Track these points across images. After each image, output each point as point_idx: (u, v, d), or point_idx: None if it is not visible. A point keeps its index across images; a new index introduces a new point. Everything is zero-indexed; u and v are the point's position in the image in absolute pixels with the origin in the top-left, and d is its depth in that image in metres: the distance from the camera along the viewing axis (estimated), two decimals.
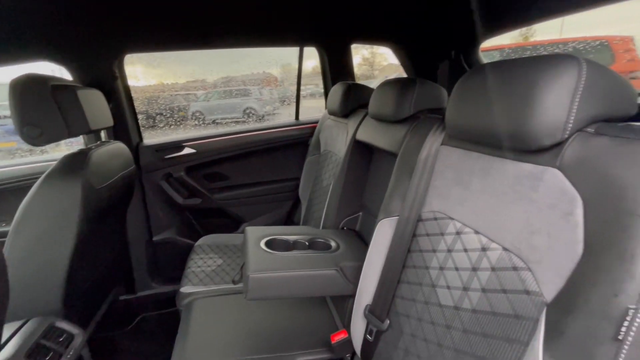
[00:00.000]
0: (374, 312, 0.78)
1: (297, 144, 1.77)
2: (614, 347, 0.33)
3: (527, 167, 0.49)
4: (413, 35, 1.58)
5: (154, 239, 1.69)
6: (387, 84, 0.95)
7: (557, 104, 0.42)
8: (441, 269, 0.64)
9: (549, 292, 0.42)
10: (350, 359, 0.92)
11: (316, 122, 1.67)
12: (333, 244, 1.03)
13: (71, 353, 0.90)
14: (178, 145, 1.63)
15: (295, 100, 1.81)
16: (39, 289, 0.96)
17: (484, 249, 0.56)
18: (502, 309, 0.49)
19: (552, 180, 0.44)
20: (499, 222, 0.53)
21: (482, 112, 0.54)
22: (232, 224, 1.79)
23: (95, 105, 1.12)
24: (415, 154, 0.76)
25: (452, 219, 0.65)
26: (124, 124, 1.48)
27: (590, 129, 0.43)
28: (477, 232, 0.58)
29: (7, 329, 0.88)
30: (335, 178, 1.22)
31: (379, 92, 0.98)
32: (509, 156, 0.52)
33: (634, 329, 0.32)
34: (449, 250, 0.63)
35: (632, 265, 0.33)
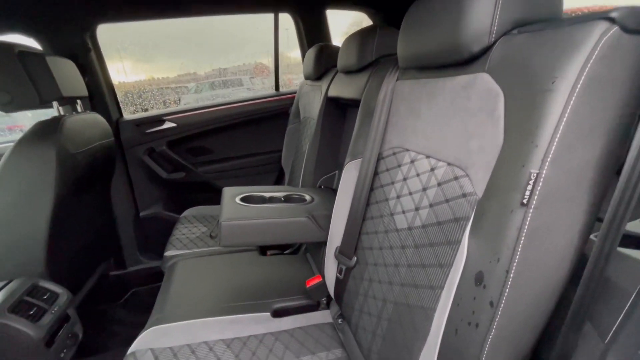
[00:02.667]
0: (343, 251, 0.81)
1: (279, 114, 1.78)
2: (521, 212, 0.36)
3: (462, 79, 0.51)
4: None
5: (141, 214, 1.72)
6: (352, 35, 0.96)
7: (482, 11, 0.44)
8: (398, 197, 0.67)
9: (481, 188, 0.45)
10: (325, 303, 0.96)
11: (294, 93, 1.68)
12: (308, 197, 1.06)
13: (55, 309, 0.93)
14: (159, 119, 1.64)
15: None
16: (20, 252, 0.98)
17: (432, 169, 0.58)
18: (445, 216, 0.52)
19: (481, 84, 0.46)
20: (444, 140, 0.56)
21: (425, 35, 0.56)
22: (217, 197, 1.81)
23: (66, 74, 1.12)
24: (375, 96, 0.78)
25: (407, 150, 0.67)
26: (102, 98, 1.48)
27: (514, 31, 0.44)
28: (427, 157, 0.61)
29: None
30: (311, 139, 1.24)
31: (345, 45, 0.99)
32: (448, 73, 0.54)
33: (537, 193, 0.35)
34: (405, 179, 0.66)
35: (536, 136, 0.35)
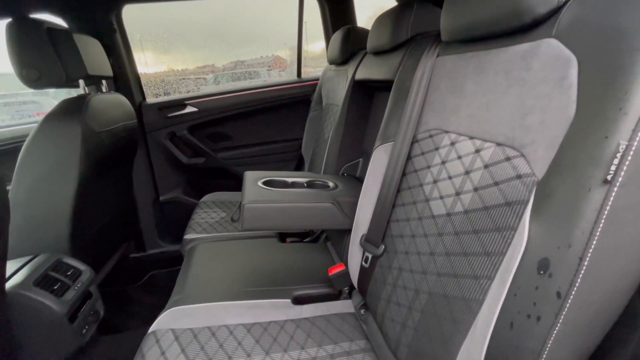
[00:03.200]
0: (370, 239, 0.77)
1: (300, 101, 1.74)
2: (602, 191, 0.31)
3: (521, 48, 0.46)
4: None
5: (161, 198, 1.73)
6: (385, 12, 0.91)
7: None
8: (435, 182, 0.62)
9: (541, 168, 0.40)
10: (348, 293, 0.93)
11: (318, 79, 1.64)
12: (331, 184, 1.02)
13: (78, 285, 0.94)
14: (180, 104, 1.63)
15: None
16: (46, 228, 0.99)
17: (477, 151, 0.53)
18: (494, 200, 0.47)
19: (546, 51, 0.41)
20: (493, 118, 0.51)
21: (476, 2, 0.51)
22: (236, 183, 1.80)
23: (92, 52, 1.12)
24: (411, 75, 0.73)
25: (446, 132, 0.62)
26: (126, 80, 1.48)
27: None
28: (471, 138, 0.56)
29: (18, 263, 0.92)
30: (335, 125, 1.20)
31: (377, 23, 0.94)
32: (502, 43, 0.49)
33: (624, 168, 0.30)
34: (443, 162, 0.61)
35: (625, 102, 0.30)
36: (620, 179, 0.30)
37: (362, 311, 0.85)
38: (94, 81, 1.21)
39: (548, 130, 0.40)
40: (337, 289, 0.92)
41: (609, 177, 0.30)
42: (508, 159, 0.47)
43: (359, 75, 1.09)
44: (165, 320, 0.78)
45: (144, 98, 1.62)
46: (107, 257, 1.35)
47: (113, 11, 1.35)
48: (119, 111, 1.21)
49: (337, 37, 1.31)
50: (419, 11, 0.81)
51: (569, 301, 0.32)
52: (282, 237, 1.25)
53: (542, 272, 0.34)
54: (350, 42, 1.24)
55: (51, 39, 0.97)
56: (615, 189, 0.30)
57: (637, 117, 0.29)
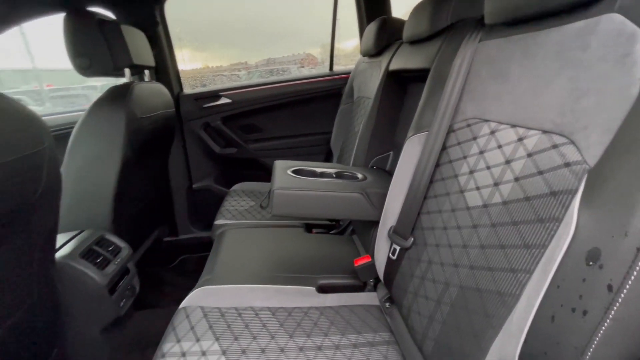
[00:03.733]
0: (398, 231, 0.76)
1: (331, 95, 1.74)
2: None
3: (576, 26, 0.42)
4: None
5: (194, 186, 1.80)
6: (424, 0, 0.88)
7: None
8: (471, 172, 0.60)
9: (594, 154, 0.37)
10: (373, 285, 0.92)
11: (349, 73, 1.62)
12: (360, 176, 1.01)
13: (118, 261, 1.00)
14: (215, 95, 1.68)
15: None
16: (91, 206, 1.06)
17: (520, 139, 0.50)
18: (537, 190, 0.45)
19: (607, 26, 0.38)
20: (540, 104, 0.47)
21: None
22: (265, 174, 1.83)
23: (138, 43, 1.18)
24: (449, 62, 0.70)
25: (486, 120, 0.59)
26: (166, 71, 1.56)
27: None
28: (513, 126, 0.53)
29: (66, 236, 0.99)
30: (366, 117, 1.18)
31: (415, 11, 0.91)
32: (553, 22, 0.46)
33: None
34: (481, 152, 0.58)
35: None
36: None
37: (387, 304, 0.84)
38: (137, 70, 1.28)
39: (605, 113, 0.36)
40: (362, 281, 0.91)
41: None
42: (555, 146, 0.44)
43: (394, 66, 1.07)
44: (196, 298, 0.81)
45: (181, 88, 1.69)
46: (144, 238, 1.43)
47: (157, 5, 1.42)
48: (159, 100, 1.27)
49: (371, 27, 1.29)
50: None
51: (622, 295, 0.29)
52: (309, 228, 1.25)
53: (591, 262, 0.32)
54: (385, 33, 1.22)
55: (101, 30, 1.04)
56: None
57: None
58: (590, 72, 0.39)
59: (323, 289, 0.90)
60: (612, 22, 0.37)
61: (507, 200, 0.50)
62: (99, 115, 1.02)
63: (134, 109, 1.08)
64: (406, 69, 0.97)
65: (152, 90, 1.24)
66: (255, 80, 1.76)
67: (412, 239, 0.72)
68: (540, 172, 0.45)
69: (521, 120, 0.51)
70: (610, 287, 0.30)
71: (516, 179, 0.49)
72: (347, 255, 1.05)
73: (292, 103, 1.75)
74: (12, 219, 0.58)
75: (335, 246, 1.11)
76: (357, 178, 1.00)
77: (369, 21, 1.58)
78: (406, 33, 0.97)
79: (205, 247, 1.81)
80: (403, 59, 1.00)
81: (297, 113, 1.78)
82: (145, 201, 1.36)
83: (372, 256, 0.88)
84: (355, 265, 0.88)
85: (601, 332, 0.30)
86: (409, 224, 0.73)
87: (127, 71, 1.15)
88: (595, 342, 0.31)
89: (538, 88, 0.48)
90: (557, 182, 0.42)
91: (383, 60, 1.18)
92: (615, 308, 0.30)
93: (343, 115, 1.57)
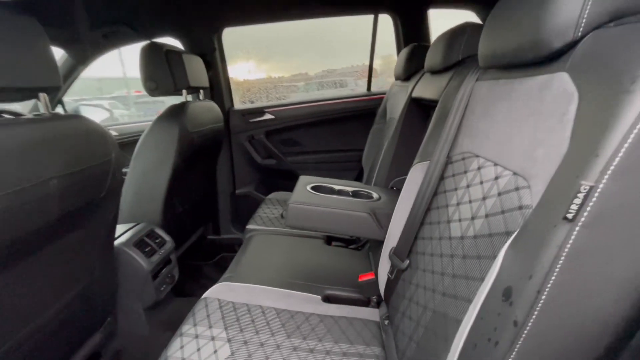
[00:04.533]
0: (397, 253, 0.80)
1: (367, 114, 1.81)
2: (565, 229, 0.31)
3: (539, 79, 0.45)
4: None
5: (237, 191, 1.99)
6: (443, 33, 0.92)
7: (568, 2, 0.39)
8: (458, 204, 0.63)
9: (537, 200, 0.40)
10: (376, 302, 0.96)
11: (385, 94, 1.68)
12: (375, 195, 1.06)
13: (162, 252, 1.19)
14: (260, 111, 1.86)
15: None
16: (147, 203, 1.27)
17: (496, 178, 0.53)
18: (497, 228, 0.48)
19: (558, 85, 0.41)
20: (514, 147, 0.50)
21: (506, 31, 0.52)
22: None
23: (195, 68, 1.40)
24: (453, 97, 0.74)
25: (477, 156, 0.63)
26: (219, 89, 1.78)
27: (611, 24, 0.38)
28: (495, 164, 0.56)
29: (125, 227, 1.21)
30: (389, 139, 1.23)
31: (434, 43, 0.96)
32: (528, 72, 0.49)
33: (587, 208, 0.30)
34: (468, 186, 0.62)
35: (600, 144, 0.30)
36: (583, 219, 0.30)
37: (386, 322, 0.88)
38: (194, 90, 1.50)
39: (548, 165, 0.39)
40: (365, 296, 0.96)
41: (569, 216, 0.30)
42: (517, 188, 0.47)
43: (416, 93, 1.11)
44: (215, 291, 0.94)
45: (232, 104, 1.90)
46: (188, 234, 1.63)
47: (215, 33, 1.64)
48: (209, 116, 1.47)
49: (403, 53, 1.34)
50: (473, 34, 0.81)
51: (525, 331, 0.33)
52: (329, 240, 1.33)
53: (505, 299, 0.35)
54: (414, 60, 1.26)
55: (167, 59, 1.25)
56: (577, 228, 0.30)
57: (605, 161, 0.29)
58: (545, 125, 0.42)
59: (328, 299, 0.97)
60: (561, 80, 0.40)
61: (477, 235, 0.53)
62: (158, 129, 1.23)
63: (187, 124, 1.27)
64: (423, 98, 1.01)
65: (203, 108, 1.44)
66: (300, 98, 1.90)
67: (408, 261, 0.76)
68: (503, 212, 0.48)
69: (501, 159, 0.54)
70: (515, 323, 0.34)
71: (486, 216, 0.52)
72: (358, 270, 1.10)
73: (330, 120, 1.86)
74: (84, 211, 0.77)
75: (349, 260, 1.17)
76: (372, 198, 1.05)
77: (406, 45, 1.63)
78: (427, 62, 1.01)
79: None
80: (423, 87, 1.04)
81: (334, 130, 1.88)
82: (192, 202, 1.56)
83: (376, 274, 0.92)
84: (359, 280, 0.94)
85: None
86: (407, 247, 0.77)
87: (184, 92, 1.36)
88: None
89: (513, 131, 0.51)
90: (511, 222, 0.45)
91: (410, 85, 1.23)
92: (520, 342, 0.33)
93: (375, 134, 1.63)
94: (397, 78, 1.43)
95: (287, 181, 2.00)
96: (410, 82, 1.26)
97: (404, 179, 1.20)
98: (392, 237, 0.84)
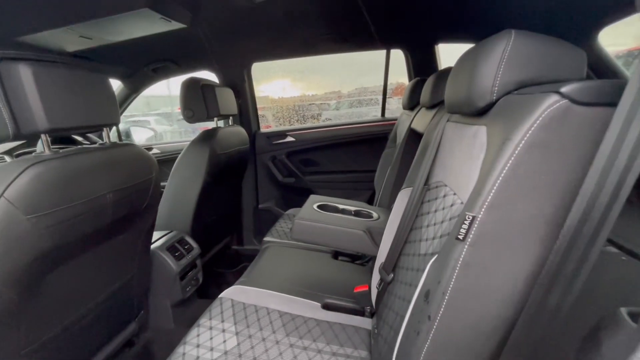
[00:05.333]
0: (385, 267, 0.91)
1: (380, 139, 1.93)
2: (460, 246, 0.42)
3: (473, 129, 0.57)
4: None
5: (260, 206, 2.17)
6: (434, 74, 1.05)
7: (486, 72, 0.51)
8: (427, 226, 0.74)
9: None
10: (369, 312, 1.06)
11: (396, 119, 1.80)
12: (375, 215, 1.18)
13: (189, 257, 1.37)
14: (283, 134, 2.06)
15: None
16: (179, 214, 1.48)
17: (452, 205, 0.64)
18: (440, 248, 0.59)
19: (479, 135, 0.52)
20: (461, 180, 0.62)
21: (458, 87, 0.64)
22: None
23: (226, 98, 1.62)
24: (433, 131, 0.86)
25: (445, 185, 0.74)
26: (247, 115, 2.00)
27: (515, 92, 0.49)
28: (454, 194, 0.67)
29: (160, 233, 1.41)
30: (392, 164, 1.35)
31: (428, 82, 1.08)
32: (471, 121, 0.60)
33: (472, 232, 0.41)
34: (436, 210, 0.73)
35: (482, 185, 0.41)
36: (469, 240, 0.41)
37: (376, 330, 0.98)
38: (224, 117, 1.72)
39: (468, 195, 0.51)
40: (360, 306, 1.06)
41: (460, 237, 0.41)
42: (460, 215, 0.58)
43: (414, 124, 1.23)
44: (230, 293, 1.09)
45: (258, 128, 2.11)
46: (214, 243, 1.82)
47: (245, 68, 1.87)
48: (236, 139, 1.68)
49: (409, 85, 1.47)
50: None
51: (436, 324, 0.44)
52: (336, 255, 1.45)
53: (425, 299, 0.46)
54: (417, 92, 1.38)
55: (202, 92, 1.48)
56: (466, 246, 0.41)
57: (484, 198, 0.40)
58: (473, 165, 0.54)
59: (327, 307, 1.08)
60: (482, 132, 0.52)
61: (433, 252, 0.64)
62: (191, 151, 1.45)
63: (216, 147, 1.48)
64: (417, 130, 1.13)
65: (232, 132, 1.65)
66: (319, 123, 2.08)
67: (392, 275, 0.87)
68: (449, 234, 0.59)
69: (457, 190, 0.65)
70: (429, 317, 0.45)
71: (441, 236, 0.63)
72: (359, 283, 1.20)
73: (346, 143, 2.01)
74: (129, 219, 0.96)
75: (351, 274, 1.28)
76: (372, 217, 1.17)
77: (416, 76, 1.75)
78: (421, 98, 1.13)
79: None
80: (418, 120, 1.16)
81: (350, 152, 2.02)
82: (218, 214, 1.76)
83: (370, 286, 1.03)
84: (355, 291, 1.05)
85: (425, 349, 0.45)
86: (392, 262, 0.88)
87: (215, 119, 1.57)
88: (422, 356, 0.45)
89: (464, 166, 0.63)
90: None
91: (411, 115, 1.35)
92: (432, 333, 0.44)
93: (386, 157, 1.74)
94: (404, 108, 1.55)
95: (304, 198, 2.15)
96: (413, 112, 1.38)
97: None
98: (382, 252, 0.95)
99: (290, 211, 1.91)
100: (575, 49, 0.49)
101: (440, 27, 1.63)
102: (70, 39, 1.21)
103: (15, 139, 0.67)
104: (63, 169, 0.71)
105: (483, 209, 0.41)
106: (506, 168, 0.39)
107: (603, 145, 0.33)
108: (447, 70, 0.96)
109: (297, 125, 2.09)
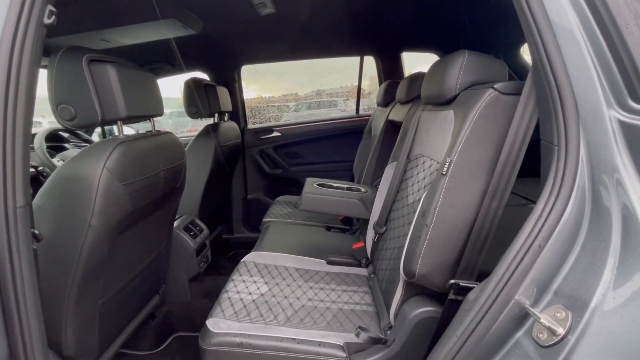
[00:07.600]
0: (379, 223, 1.20)
1: (356, 132, 2.24)
2: (444, 179, 0.71)
3: (444, 113, 0.87)
4: (457, 41, 1.91)
5: (248, 196, 2.37)
6: (407, 76, 1.36)
7: (452, 76, 0.81)
8: (412, 185, 1.04)
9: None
10: (365, 264, 1.34)
11: (370, 116, 2.12)
12: (363, 190, 1.47)
13: (201, 236, 1.55)
14: (269, 129, 2.28)
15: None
16: (190, 200, 1.64)
17: (430, 166, 0.95)
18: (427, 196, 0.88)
19: (449, 116, 0.83)
20: (437, 148, 0.92)
21: (432, 84, 0.94)
22: (301, 191, 2.34)
23: (224, 97, 1.81)
24: (410, 120, 1.17)
25: (423, 155, 1.04)
26: (237, 113, 2.19)
27: (470, 88, 0.80)
28: (431, 159, 0.97)
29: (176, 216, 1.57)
30: (372, 150, 1.65)
31: (402, 83, 1.39)
32: (441, 108, 0.91)
33: (450, 169, 0.70)
34: (417, 173, 1.03)
35: (454, 143, 0.71)
36: (449, 174, 0.70)
37: (372, 275, 1.26)
38: (222, 113, 1.90)
39: (444, 155, 0.81)
40: (357, 259, 1.34)
41: (444, 172, 0.71)
42: (437, 169, 0.87)
43: (391, 116, 1.54)
44: (250, 257, 1.31)
45: (246, 124, 2.31)
46: (216, 226, 1.99)
47: (236, 69, 2.07)
48: (233, 133, 1.88)
49: (382, 87, 1.79)
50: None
51: (430, 228, 0.72)
52: (328, 228, 1.71)
53: (422, 217, 0.75)
54: (390, 92, 1.70)
55: (205, 91, 1.66)
56: (447, 178, 0.70)
57: (457, 147, 0.70)
58: (444, 137, 0.84)
59: (331, 262, 1.34)
60: (450, 114, 0.82)
61: (419, 199, 0.93)
62: (199, 143, 1.63)
63: (219, 139, 1.67)
64: (395, 120, 1.44)
65: (229, 127, 1.84)
66: (301, 118, 2.33)
67: (385, 227, 1.15)
68: (431, 183, 0.88)
69: (433, 155, 0.95)
70: (426, 225, 0.73)
71: (424, 187, 0.93)
72: (352, 244, 1.48)
73: (327, 137, 2.28)
74: (168, 195, 1.14)
75: (345, 240, 1.55)
76: (361, 191, 1.46)
77: (385, 79, 2.09)
78: (397, 95, 1.44)
79: (252, 245, 2.34)
80: (395, 113, 1.48)
81: (330, 145, 2.30)
82: (217, 201, 1.93)
83: (365, 243, 1.31)
84: (353, 248, 1.32)
85: (424, 246, 0.73)
86: (384, 218, 1.17)
87: (216, 115, 1.76)
88: (422, 252, 0.74)
89: (438, 140, 0.93)
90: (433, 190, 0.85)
91: (387, 110, 1.66)
92: (428, 235, 0.73)
93: (362, 148, 2.05)
94: (378, 105, 1.87)
95: (291, 187, 2.39)
96: (387, 107, 1.69)
97: None
98: (375, 214, 1.24)
99: (280, 198, 2.14)
100: (501, 62, 0.81)
101: (404, 38, 1.97)
102: (91, 41, 1.33)
103: (101, 124, 0.85)
104: (137, 149, 0.90)
105: (456, 155, 0.70)
106: (467, 131, 0.69)
107: (515, 118, 0.64)
108: (418, 75, 1.28)
109: (282, 122, 2.32)
